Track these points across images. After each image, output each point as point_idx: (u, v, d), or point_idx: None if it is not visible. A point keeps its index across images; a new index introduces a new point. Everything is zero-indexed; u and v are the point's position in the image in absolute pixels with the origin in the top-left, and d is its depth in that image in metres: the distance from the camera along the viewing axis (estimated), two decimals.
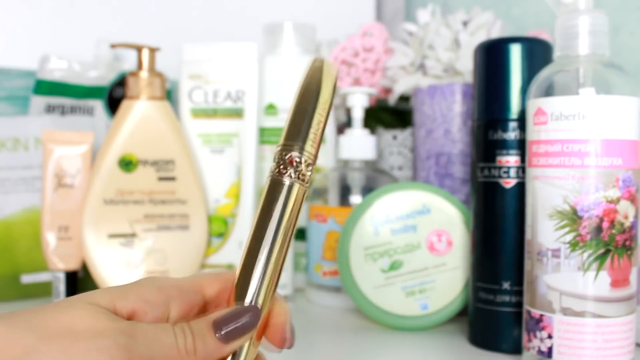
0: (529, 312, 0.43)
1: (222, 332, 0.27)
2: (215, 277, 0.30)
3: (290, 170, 0.30)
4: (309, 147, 0.30)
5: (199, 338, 0.27)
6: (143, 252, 0.59)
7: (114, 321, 0.26)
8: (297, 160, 0.30)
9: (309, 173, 0.30)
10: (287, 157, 0.30)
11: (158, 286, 0.28)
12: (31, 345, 0.24)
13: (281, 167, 0.30)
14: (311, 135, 0.30)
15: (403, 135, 0.69)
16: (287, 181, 0.30)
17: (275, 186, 0.30)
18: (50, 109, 0.66)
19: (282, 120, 0.67)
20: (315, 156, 0.31)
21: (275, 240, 0.30)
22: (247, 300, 0.29)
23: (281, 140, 0.31)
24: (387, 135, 0.69)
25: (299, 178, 0.30)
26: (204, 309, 0.30)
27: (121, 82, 0.69)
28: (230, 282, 0.30)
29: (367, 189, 0.61)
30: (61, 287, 0.58)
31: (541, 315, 0.41)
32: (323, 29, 0.74)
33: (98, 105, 0.69)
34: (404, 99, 0.71)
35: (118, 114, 0.59)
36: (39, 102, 0.66)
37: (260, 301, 0.29)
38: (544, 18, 0.72)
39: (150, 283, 0.28)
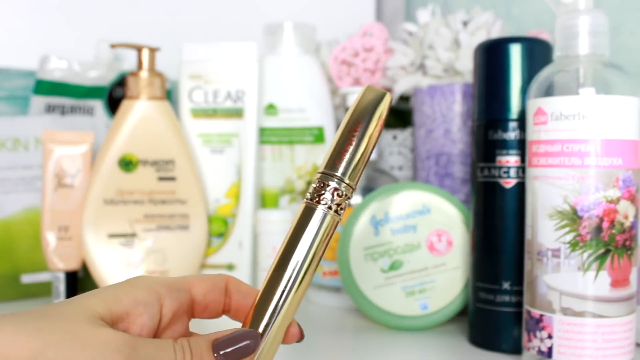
0: (529, 312, 0.43)
1: (221, 354, 0.28)
2: (202, 278, 0.31)
3: (326, 200, 0.30)
4: (349, 179, 0.30)
5: (197, 357, 0.27)
6: (143, 252, 0.59)
7: (116, 332, 0.26)
8: (335, 191, 0.30)
9: (344, 205, 0.30)
10: (325, 186, 0.30)
11: (148, 286, 0.29)
12: (38, 349, 0.24)
13: (317, 195, 0.30)
14: (352, 168, 0.30)
15: (403, 135, 0.69)
16: (321, 211, 0.30)
17: (308, 214, 0.30)
18: (50, 109, 0.66)
19: (282, 120, 0.67)
20: (354, 189, 0.30)
21: (300, 271, 0.30)
22: (261, 327, 0.29)
23: (321, 167, 0.31)
24: (387, 135, 0.69)
25: (332, 209, 0.30)
26: (191, 307, 0.31)
27: (121, 82, 0.69)
28: (218, 285, 0.31)
29: (367, 189, 0.61)
30: (61, 287, 0.58)
31: (541, 315, 0.41)
32: (323, 29, 0.74)
33: (98, 105, 0.69)
34: (404, 99, 0.71)
35: (118, 114, 0.59)
36: (39, 102, 0.66)
37: (273, 330, 0.30)
38: (544, 18, 0.72)
39: (140, 283, 0.29)
